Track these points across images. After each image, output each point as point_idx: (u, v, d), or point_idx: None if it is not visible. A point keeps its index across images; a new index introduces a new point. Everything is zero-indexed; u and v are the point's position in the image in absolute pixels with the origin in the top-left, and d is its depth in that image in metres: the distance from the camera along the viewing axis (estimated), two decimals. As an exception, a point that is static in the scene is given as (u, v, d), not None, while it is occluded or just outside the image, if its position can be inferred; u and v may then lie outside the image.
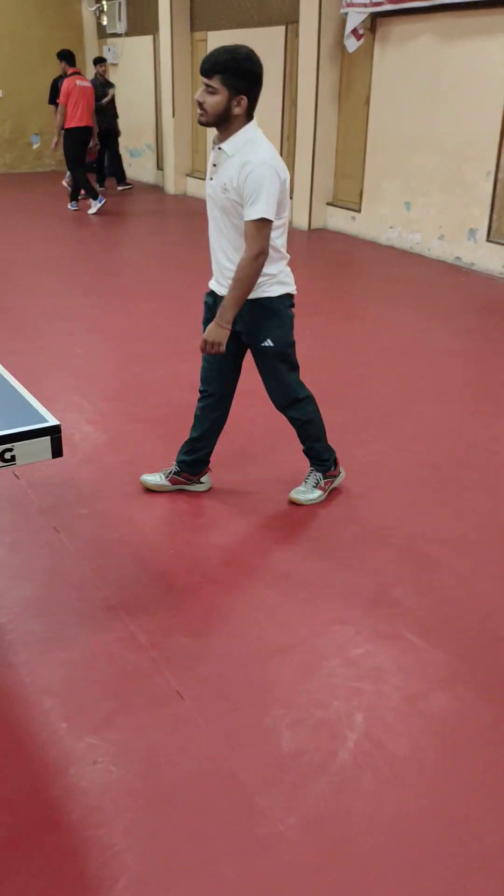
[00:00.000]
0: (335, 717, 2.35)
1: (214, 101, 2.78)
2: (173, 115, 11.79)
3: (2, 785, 2.12)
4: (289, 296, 3.18)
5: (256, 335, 3.17)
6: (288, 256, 3.16)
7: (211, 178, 2.98)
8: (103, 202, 10.03)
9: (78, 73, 9.82)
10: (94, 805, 2.05)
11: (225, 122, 2.84)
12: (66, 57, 9.86)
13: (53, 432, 2.14)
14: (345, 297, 7.20)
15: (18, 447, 2.11)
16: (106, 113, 11.12)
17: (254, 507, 3.49)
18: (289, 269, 3.18)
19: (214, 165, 2.96)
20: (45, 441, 2.14)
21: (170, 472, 3.56)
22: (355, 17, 8.35)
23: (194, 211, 10.76)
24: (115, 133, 11.58)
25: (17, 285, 7.03)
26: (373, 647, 2.64)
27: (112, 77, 12.24)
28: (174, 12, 11.18)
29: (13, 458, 2.11)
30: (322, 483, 3.53)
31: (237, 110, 2.80)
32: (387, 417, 4.43)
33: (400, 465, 3.88)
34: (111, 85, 11.48)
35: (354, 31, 8.44)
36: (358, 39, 8.49)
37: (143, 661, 2.55)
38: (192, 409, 3.50)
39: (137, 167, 13.25)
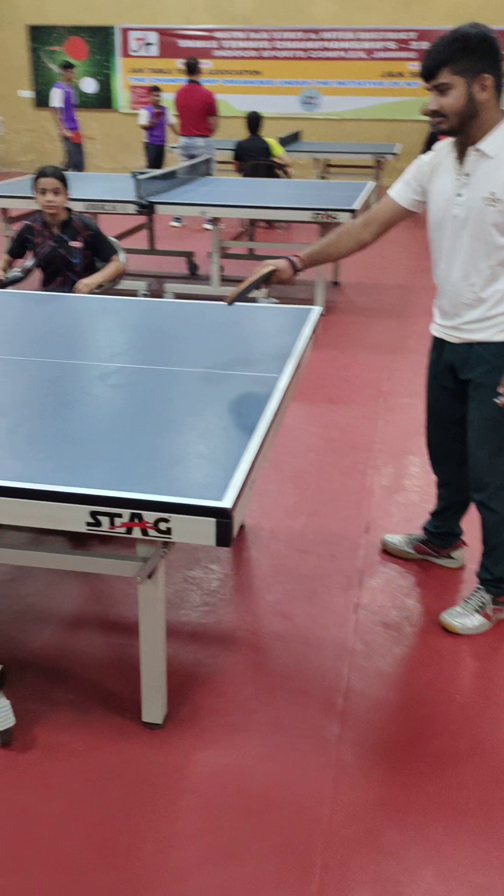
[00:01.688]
0: None
1: (451, 99, 2.10)
2: None
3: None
4: None
5: (492, 385, 2.30)
6: None
7: (459, 194, 2.23)
8: None
9: None
10: None
11: (473, 119, 2.13)
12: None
13: (221, 516, 1.59)
14: None
15: (176, 521, 1.61)
16: None
17: None
18: None
19: (468, 175, 2.20)
20: (209, 523, 1.60)
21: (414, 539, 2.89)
22: None
23: None
24: None
25: None
26: None
27: None
28: None
29: (168, 531, 1.62)
30: (489, 609, 2.53)
31: (483, 95, 2.10)
32: None
33: None
34: None
35: None
36: None
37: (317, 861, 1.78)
38: None
39: None
